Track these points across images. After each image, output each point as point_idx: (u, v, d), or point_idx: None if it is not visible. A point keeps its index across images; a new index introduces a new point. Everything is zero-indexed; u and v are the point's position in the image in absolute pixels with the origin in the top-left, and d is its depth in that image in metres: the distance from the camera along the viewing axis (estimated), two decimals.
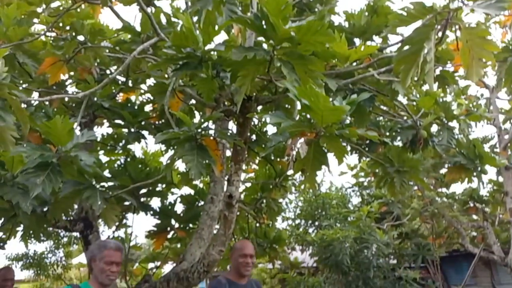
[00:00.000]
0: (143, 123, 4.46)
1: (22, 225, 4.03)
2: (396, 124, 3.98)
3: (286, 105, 3.77)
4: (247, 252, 2.95)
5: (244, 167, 6.05)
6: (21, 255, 10.22)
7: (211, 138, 2.76)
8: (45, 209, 3.44)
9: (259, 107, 3.30)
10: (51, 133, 2.13)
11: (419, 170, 3.99)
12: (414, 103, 3.98)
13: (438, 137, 3.88)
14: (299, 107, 2.94)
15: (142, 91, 4.72)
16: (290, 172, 5.26)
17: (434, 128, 4.02)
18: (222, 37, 15.69)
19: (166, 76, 3.41)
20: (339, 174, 10.32)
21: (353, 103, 1.95)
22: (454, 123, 3.99)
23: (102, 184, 3.20)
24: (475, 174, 3.85)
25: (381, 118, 4.38)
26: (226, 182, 3.57)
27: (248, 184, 5.52)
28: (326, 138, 1.98)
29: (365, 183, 11.60)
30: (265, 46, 2.48)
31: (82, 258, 12.91)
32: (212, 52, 2.67)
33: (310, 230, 10.95)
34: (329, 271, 9.78)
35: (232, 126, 4.03)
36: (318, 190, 11.17)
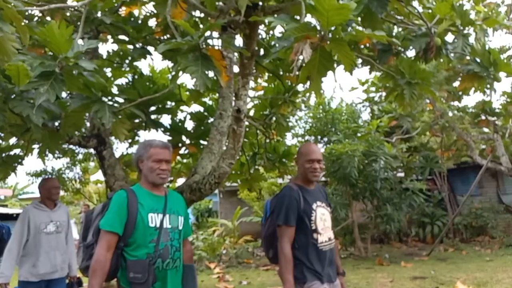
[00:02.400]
0: (147, 38, 4.35)
1: (37, 143, 4.16)
2: (410, 32, 3.82)
3: (295, 17, 3.61)
4: (314, 157, 2.66)
5: (252, 84, 5.99)
6: (39, 171, 10.60)
7: (216, 48, 2.68)
8: (57, 124, 3.51)
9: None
10: (49, 41, 2.09)
11: (430, 82, 3.90)
12: (430, 10, 3.77)
13: (453, 44, 3.73)
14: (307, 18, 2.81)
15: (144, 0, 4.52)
16: (300, 88, 5.20)
17: (450, 39, 3.85)
18: None
19: None
20: (349, 90, 10.13)
21: (361, 2, 1.85)
22: (470, 31, 3.80)
23: (110, 98, 3.20)
24: (488, 82, 3.75)
25: (394, 28, 4.19)
26: (234, 98, 3.55)
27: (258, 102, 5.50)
28: (333, 43, 1.90)
29: (376, 98, 11.48)
30: None
31: (99, 175, 13.45)
32: None
33: (319, 146, 11.10)
34: (337, 183, 10.09)
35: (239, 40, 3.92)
36: (327, 105, 11.12)
